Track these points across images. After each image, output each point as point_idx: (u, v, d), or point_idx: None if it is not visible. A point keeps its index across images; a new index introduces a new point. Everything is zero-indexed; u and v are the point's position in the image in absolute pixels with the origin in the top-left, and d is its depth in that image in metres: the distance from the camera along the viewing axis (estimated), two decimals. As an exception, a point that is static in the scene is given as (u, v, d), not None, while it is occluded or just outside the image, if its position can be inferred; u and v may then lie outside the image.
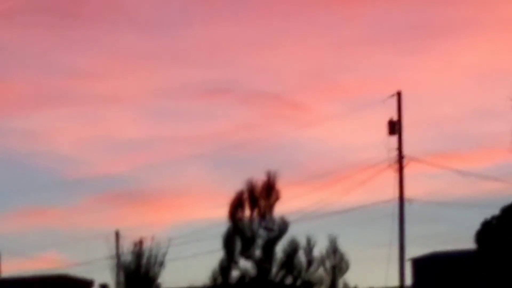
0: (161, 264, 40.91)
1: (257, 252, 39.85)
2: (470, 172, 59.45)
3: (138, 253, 40.89)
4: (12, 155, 75.90)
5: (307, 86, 75.58)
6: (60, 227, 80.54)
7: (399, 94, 45.37)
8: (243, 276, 39.80)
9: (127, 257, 41.53)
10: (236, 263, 39.91)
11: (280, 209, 40.14)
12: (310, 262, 40.13)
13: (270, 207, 40.20)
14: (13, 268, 57.72)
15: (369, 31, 73.02)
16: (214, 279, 39.42)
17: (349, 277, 41.34)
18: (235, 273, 39.71)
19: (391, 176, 46.07)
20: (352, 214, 54.07)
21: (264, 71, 76.11)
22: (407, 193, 46.51)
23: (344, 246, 41.37)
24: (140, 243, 40.80)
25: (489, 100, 71.07)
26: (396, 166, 45.03)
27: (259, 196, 40.30)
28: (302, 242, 40.04)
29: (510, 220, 38.94)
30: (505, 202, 39.41)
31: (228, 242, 39.78)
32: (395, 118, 45.08)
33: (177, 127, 78.70)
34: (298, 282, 40.42)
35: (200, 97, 79.60)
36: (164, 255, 40.90)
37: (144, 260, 40.89)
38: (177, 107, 76.21)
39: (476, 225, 39.54)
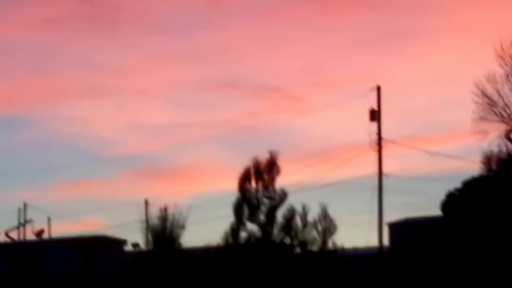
0: (182, 227, 41.33)
1: (261, 217, 40.29)
2: (437, 152, 60.16)
3: (163, 218, 41.39)
4: (61, 136, 76.76)
5: (302, 81, 76.77)
6: (100, 196, 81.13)
7: (378, 88, 45.92)
8: (249, 237, 40.28)
9: (154, 221, 41.89)
10: (244, 226, 40.27)
11: (280, 182, 40.57)
12: (305, 225, 40.53)
13: (272, 180, 40.64)
14: (61, 230, 58.29)
15: (353, 35, 73.89)
16: (226, 239, 39.94)
17: (337, 238, 41.35)
18: (243, 235, 40.15)
19: (372, 155, 46.43)
20: (340, 186, 54.84)
21: (266, 68, 77.02)
22: (385, 169, 46.99)
23: (333, 213, 41.30)
24: (165, 210, 41.30)
25: (453, 93, 71.79)
26: (376, 147, 45.67)
27: (263, 171, 40.73)
28: (299, 209, 40.38)
29: (470, 192, 38.93)
30: (465, 177, 39.79)
31: (237, 209, 40.19)
32: (375, 107, 45.94)
33: (195, 114, 79.61)
34: (295, 242, 40.71)
35: (214, 90, 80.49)
36: (185, 219, 41.28)
37: (168, 224, 41.35)
38: (195, 98, 77.00)
39: (441, 196, 40.25)
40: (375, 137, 46.60)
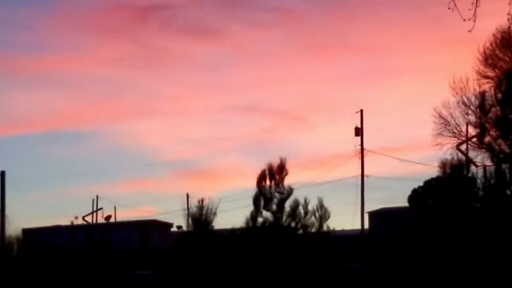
0: (214, 214, 40.42)
1: (273, 207, 39.55)
2: (405, 159, 59.92)
3: (200, 207, 40.33)
4: (124, 146, 76.89)
5: (304, 106, 77.34)
6: (153, 191, 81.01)
7: (361, 111, 46.45)
8: (264, 222, 39.60)
9: (193, 209, 40.82)
10: (260, 213, 39.47)
11: (287, 181, 39.82)
12: (306, 213, 39.77)
13: (282, 179, 39.76)
14: (123, 215, 58.26)
15: (342, 72, 74.66)
16: (247, 223, 39.35)
17: (330, 223, 40.34)
18: (260, 220, 39.49)
19: (356, 161, 47.46)
20: (332, 184, 55.02)
21: (277, 96, 77.07)
22: (366, 171, 48.16)
23: (327, 204, 40.47)
24: (201, 201, 40.29)
25: (417, 115, 71.80)
26: (359, 155, 46.28)
27: (275, 173, 39.72)
28: (301, 201, 39.63)
29: (429, 189, 38.59)
30: (426, 177, 39.71)
31: (256, 201, 39.39)
32: (359, 126, 46.27)
33: (223, 130, 79.69)
34: (298, 226, 39.79)
35: (238, 112, 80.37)
36: (216, 208, 40.43)
37: (203, 211, 40.29)
38: (223, 118, 77.22)
39: (408, 192, 40.30)
40: (358, 148, 47.73)
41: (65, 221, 53.69)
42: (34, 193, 69.27)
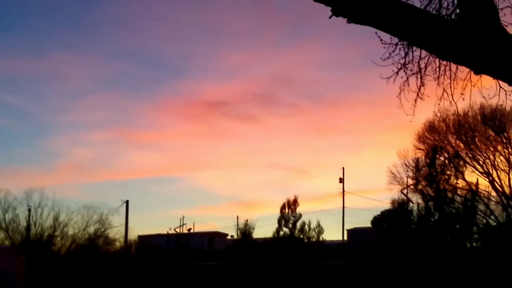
0: (253, 228, 41.56)
1: (290, 225, 40.81)
2: (370, 197, 63.33)
3: (245, 224, 41.62)
4: (200, 187, 76.22)
5: (307, 163, 75.00)
6: (217, 213, 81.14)
7: (343, 168, 48.75)
8: (284, 234, 40.59)
9: (241, 226, 42.12)
10: (282, 229, 40.76)
11: (298, 209, 41.09)
12: (309, 229, 40.94)
13: (295, 208, 41.13)
14: (198, 228, 57.46)
15: (331, 143, 72.21)
16: (273, 235, 40.47)
17: (323, 235, 41.33)
18: (281, 233, 40.64)
19: (340, 199, 49.53)
20: (325, 212, 58.46)
21: (291, 157, 76.55)
22: (346, 204, 49.65)
23: (322, 223, 41.63)
24: (246, 221, 41.61)
25: (378, 171, 74.45)
26: (342, 195, 48.53)
27: (291, 204, 41.28)
28: (307, 221, 40.81)
29: (385, 216, 39.22)
30: (383, 209, 40.34)
31: (279, 221, 40.71)
32: (342, 177, 48.32)
33: (259, 178, 77.50)
34: (305, 237, 40.70)
35: (268, 167, 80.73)
36: (254, 225, 41.60)
37: (247, 227, 41.44)
38: (259, 170, 77.93)
39: (371, 217, 40.67)
40: (341, 190, 49.54)
41: (163, 231, 53.28)
42: (145, 213, 72.34)
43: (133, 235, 48.58)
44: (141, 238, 49.05)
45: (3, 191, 44.93)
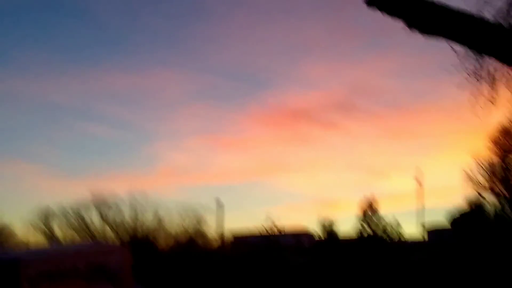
0: (337, 228, 41.19)
1: (372, 225, 40.30)
2: (446, 199, 59.77)
3: (330, 223, 41.39)
4: (277, 189, 68.87)
5: (381, 170, 67.53)
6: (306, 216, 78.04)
7: (419, 170, 43.31)
8: (368, 234, 40.13)
9: (325, 224, 41.42)
10: (365, 229, 40.28)
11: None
12: (390, 229, 40.42)
13: (373, 212, 40.71)
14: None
15: (402, 139, 65.82)
16: (358, 234, 40.18)
17: (404, 236, 40.48)
18: (364, 234, 40.27)
19: (415, 199, 42.25)
20: (399, 213, 57.25)
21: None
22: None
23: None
24: (331, 220, 41.51)
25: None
26: (418, 196, 41.52)
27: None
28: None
29: (463, 217, 37.38)
30: (458, 210, 38.22)
31: (361, 222, 40.43)
32: (418, 178, 42.66)
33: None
34: (387, 238, 40.40)
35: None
36: (338, 225, 41.22)
37: (332, 226, 41.21)
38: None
39: (447, 217, 38.77)
40: (417, 191, 42.10)
41: (255, 230, 47.62)
42: (237, 213, 68.83)
43: (228, 234, 49.03)
44: (236, 237, 49.75)
45: (112, 194, 45.88)
